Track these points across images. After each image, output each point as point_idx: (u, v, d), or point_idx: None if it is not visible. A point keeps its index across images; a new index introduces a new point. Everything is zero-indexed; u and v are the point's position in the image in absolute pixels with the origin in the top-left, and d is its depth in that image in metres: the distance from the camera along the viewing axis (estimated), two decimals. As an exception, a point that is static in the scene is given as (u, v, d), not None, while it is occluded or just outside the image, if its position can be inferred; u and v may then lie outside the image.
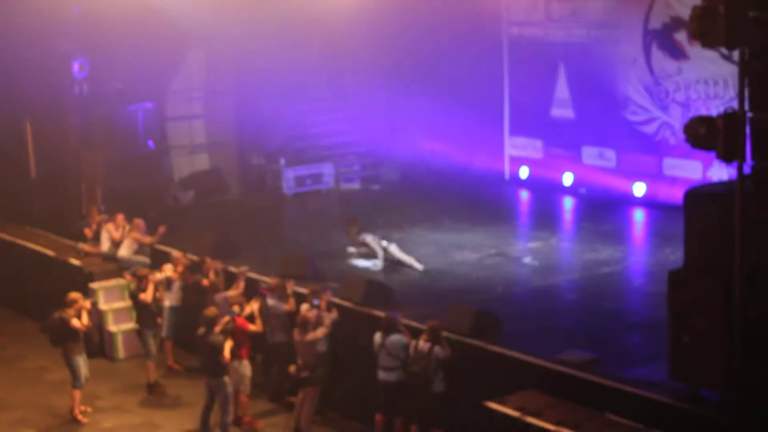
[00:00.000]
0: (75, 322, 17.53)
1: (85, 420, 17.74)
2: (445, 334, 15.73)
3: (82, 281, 20.82)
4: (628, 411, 13.56)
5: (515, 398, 14.35)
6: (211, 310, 16.67)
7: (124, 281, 20.64)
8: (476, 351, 15.82)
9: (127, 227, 21.66)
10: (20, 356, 20.75)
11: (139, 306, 19.01)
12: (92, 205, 23.64)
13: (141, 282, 18.92)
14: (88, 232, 22.34)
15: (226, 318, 16.91)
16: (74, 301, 17.70)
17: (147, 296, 18.81)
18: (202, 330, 16.48)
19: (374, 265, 20.03)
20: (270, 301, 17.65)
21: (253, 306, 17.73)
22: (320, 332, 16.52)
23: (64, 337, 17.63)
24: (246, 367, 17.17)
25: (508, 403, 14.23)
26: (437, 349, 15.41)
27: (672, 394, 13.44)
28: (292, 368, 16.82)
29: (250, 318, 17.45)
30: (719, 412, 12.88)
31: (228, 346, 16.43)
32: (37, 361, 20.13)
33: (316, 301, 16.98)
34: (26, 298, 22.81)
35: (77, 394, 17.82)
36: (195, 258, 20.06)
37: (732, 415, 12.66)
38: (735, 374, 12.57)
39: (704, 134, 12.26)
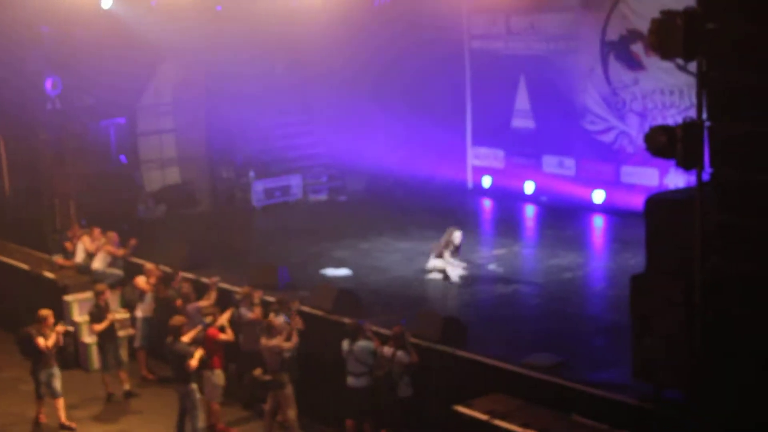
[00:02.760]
0: (39, 341, 17.31)
1: (73, 425, 17.57)
2: (412, 340, 15.69)
3: (56, 294, 20.62)
4: (593, 412, 13.55)
5: (483, 402, 14.31)
6: (176, 319, 16.57)
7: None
8: (444, 356, 15.79)
9: (102, 240, 21.51)
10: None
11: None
12: (72, 220, 23.43)
13: (98, 297, 18.79)
14: (69, 245, 22.14)
15: (198, 327, 16.81)
16: (43, 319, 17.50)
17: (111, 315, 18.74)
18: (169, 338, 16.41)
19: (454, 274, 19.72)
20: (242, 310, 17.55)
21: (225, 316, 17.62)
22: (287, 344, 16.37)
23: (30, 352, 17.48)
24: (219, 377, 17.03)
25: (475, 406, 14.18)
26: (400, 354, 15.34)
27: (636, 395, 13.46)
28: (257, 371, 16.70)
29: (223, 328, 17.33)
30: (683, 412, 12.89)
31: (198, 354, 16.32)
32: (11, 371, 19.87)
33: (286, 319, 16.86)
34: (1, 310, 22.55)
35: (59, 402, 17.60)
36: (167, 270, 19.92)
37: (695, 415, 12.68)
38: (697, 375, 12.60)
39: (664, 143, 12.29)
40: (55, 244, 22.61)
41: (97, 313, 18.69)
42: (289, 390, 16.50)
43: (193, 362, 16.24)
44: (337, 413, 16.43)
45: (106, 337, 18.76)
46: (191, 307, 18.08)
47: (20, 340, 17.63)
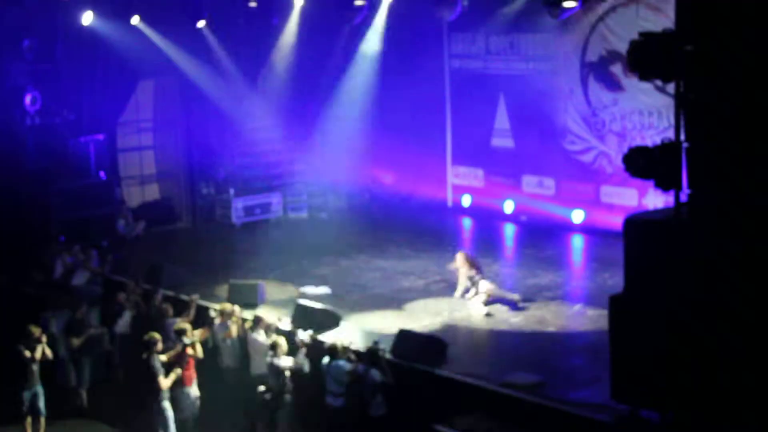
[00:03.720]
0: (26, 354, 17.26)
1: None
2: (389, 358, 15.71)
3: (35, 309, 20.54)
4: (572, 432, 13.63)
5: (462, 420, 14.36)
6: (151, 335, 16.54)
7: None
8: (423, 375, 15.80)
9: (81, 257, 21.47)
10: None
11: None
12: (51, 236, 23.34)
13: (76, 311, 18.76)
14: (46, 262, 22.10)
15: (177, 348, 16.79)
16: (30, 334, 17.45)
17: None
18: (144, 354, 16.37)
19: None
20: (254, 335, 17.39)
21: (203, 333, 17.60)
22: (288, 362, 16.35)
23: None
24: (194, 390, 17.00)
25: (455, 425, 14.24)
26: (373, 372, 15.33)
27: (613, 415, 13.51)
28: (261, 388, 16.68)
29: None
30: (659, 431, 12.96)
31: (173, 375, 16.34)
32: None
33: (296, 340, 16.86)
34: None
35: (34, 420, 17.51)
36: (147, 287, 19.90)
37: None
38: (674, 395, 12.66)
39: (643, 164, 12.39)
40: (34, 260, 22.51)
41: (76, 327, 18.64)
42: (287, 411, 16.43)
43: (167, 382, 16.24)
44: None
45: (83, 352, 18.70)
46: (169, 323, 18.05)
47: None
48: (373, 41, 26.85)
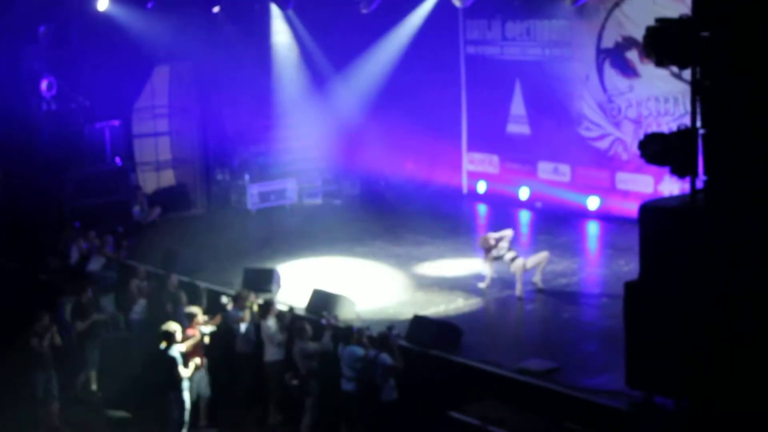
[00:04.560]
0: (33, 341, 17.33)
1: None
2: (404, 344, 15.71)
3: (50, 295, 20.61)
4: (586, 419, 13.60)
5: (476, 407, 14.33)
6: (170, 325, 16.52)
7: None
8: (438, 361, 15.82)
9: (97, 242, 21.53)
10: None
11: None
12: (67, 222, 23.40)
13: (82, 295, 18.84)
14: (62, 247, 22.16)
15: (197, 336, 16.82)
16: (40, 319, 17.51)
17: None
18: (163, 344, 16.38)
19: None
20: (268, 322, 17.36)
21: (217, 320, 17.63)
22: (315, 345, 16.38)
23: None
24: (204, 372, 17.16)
25: (468, 412, 14.20)
26: (383, 356, 15.33)
27: (628, 401, 13.51)
28: (289, 375, 16.71)
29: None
30: (674, 418, 12.94)
31: (193, 363, 16.39)
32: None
33: (323, 321, 16.86)
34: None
35: (48, 405, 17.59)
36: (162, 273, 19.96)
37: (686, 421, 12.72)
38: (688, 382, 12.64)
39: (659, 150, 12.35)
40: (51, 246, 22.58)
41: (80, 311, 18.67)
42: (312, 401, 16.45)
43: (187, 371, 16.25)
44: (331, 417, 16.45)
45: (87, 335, 18.75)
46: (183, 310, 18.07)
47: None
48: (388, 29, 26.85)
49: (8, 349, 18.70)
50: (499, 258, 19.22)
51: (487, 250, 19.31)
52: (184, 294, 18.67)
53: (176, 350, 16.30)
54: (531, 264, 19.00)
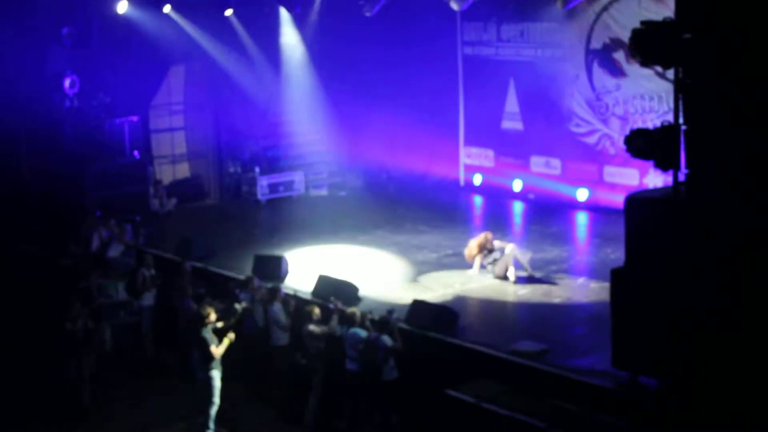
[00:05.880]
0: (66, 325, 17.30)
1: None
2: (403, 326, 15.71)
3: (71, 280, 20.61)
4: (575, 397, 13.60)
5: (470, 386, 14.33)
6: (206, 309, 16.30)
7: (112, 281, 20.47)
8: (435, 343, 15.82)
9: (117, 230, 21.55)
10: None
11: None
12: (88, 212, 23.40)
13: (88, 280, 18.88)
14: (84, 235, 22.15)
15: (237, 313, 16.75)
16: (72, 304, 17.49)
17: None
18: (198, 326, 16.10)
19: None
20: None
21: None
22: (318, 329, 16.34)
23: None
24: None
25: (464, 390, 14.20)
26: (383, 338, 15.31)
27: (614, 381, 13.51)
28: (298, 355, 16.69)
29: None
30: (657, 396, 12.95)
31: (226, 340, 16.05)
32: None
33: (331, 305, 16.82)
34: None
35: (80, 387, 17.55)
36: (176, 260, 19.96)
37: (669, 399, 12.73)
38: (671, 362, 12.65)
39: (644, 146, 12.36)
40: (74, 235, 22.58)
41: (86, 295, 18.63)
42: (318, 377, 16.42)
43: (219, 350, 16.02)
44: (335, 396, 16.46)
45: (96, 320, 18.70)
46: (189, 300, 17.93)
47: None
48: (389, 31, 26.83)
49: (32, 331, 18.71)
50: (483, 266, 19.13)
51: (482, 248, 19.20)
52: (190, 287, 18.48)
53: (207, 331, 16.04)
54: (509, 264, 18.86)
